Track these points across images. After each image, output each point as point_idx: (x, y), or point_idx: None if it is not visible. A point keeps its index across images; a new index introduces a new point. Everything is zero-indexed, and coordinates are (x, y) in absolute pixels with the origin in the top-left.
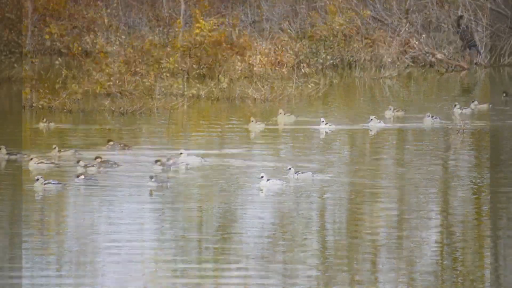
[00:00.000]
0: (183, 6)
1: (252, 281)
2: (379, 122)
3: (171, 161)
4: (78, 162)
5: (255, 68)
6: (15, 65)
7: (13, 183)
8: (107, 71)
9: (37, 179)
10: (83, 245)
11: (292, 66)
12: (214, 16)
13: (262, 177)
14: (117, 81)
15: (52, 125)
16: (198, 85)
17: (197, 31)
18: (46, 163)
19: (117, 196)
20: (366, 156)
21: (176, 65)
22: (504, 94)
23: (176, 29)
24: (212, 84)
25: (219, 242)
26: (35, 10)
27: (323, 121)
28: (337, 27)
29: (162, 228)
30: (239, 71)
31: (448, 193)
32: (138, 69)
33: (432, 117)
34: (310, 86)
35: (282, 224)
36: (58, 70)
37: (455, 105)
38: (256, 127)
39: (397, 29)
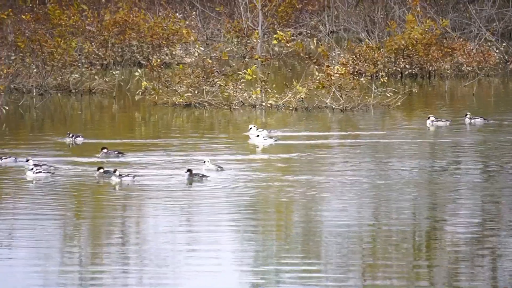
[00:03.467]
0: (261, 17)
1: None
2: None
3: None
4: (114, 171)
5: (333, 78)
6: (96, 77)
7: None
8: (185, 82)
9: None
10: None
11: (370, 76)
12: (291, 27)
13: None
14: (196, 92)
15: (80, 139)
16: (276, 95)
17: (275, 42)
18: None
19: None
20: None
21: (254, 75)
22: None
23: (254, 40)
24: (290, 94)
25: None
26: (116, 22)
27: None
28: (416, 36)
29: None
30: (317, 81)
31: None
32: (216, 80)
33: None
34: (388, 95)
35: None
36: (137, 82)
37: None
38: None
39: (477, 38)
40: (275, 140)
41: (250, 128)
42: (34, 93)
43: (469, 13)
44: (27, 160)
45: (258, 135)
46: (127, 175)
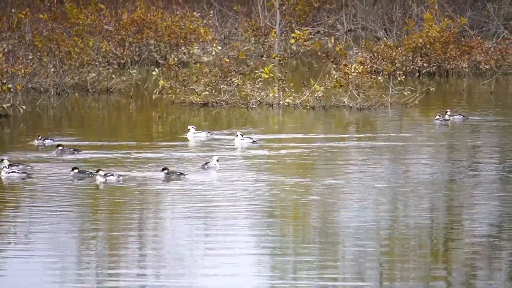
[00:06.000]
0: (278, 16)
1: None
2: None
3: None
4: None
5: (350, 77)
6: (113, 76)
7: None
8: (203, 81)
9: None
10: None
11: (388, 74)
12: (309, 25)
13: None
14: (213, 91)
15: (48, 142)
16: (294, 94)
17: (293, 41)
18: (18, 172)
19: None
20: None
21: (272, 74)
22: None
23: (272, 39)
24: (308, 93)
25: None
26: (133, 21)
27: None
28: (433, 34)
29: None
30: (335, 80)
31: None
32: (234, 79)
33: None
34: (406, 93)
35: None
36: (155, 81)
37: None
38: (192, 135)
39: (495, 36)
40: (254, 142)
41: (189, 130)
42: (52, 93)
43: (487, 11)
44: (2, 160)
45: (189, 129)
46: (112, 174)
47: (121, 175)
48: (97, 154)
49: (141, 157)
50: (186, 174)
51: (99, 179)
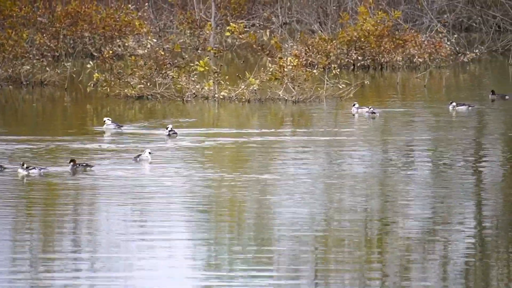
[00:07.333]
0: (213, 9)
1: None
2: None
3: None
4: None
5: (285, 70)
6: (47, 68)
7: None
8: (138, 74)
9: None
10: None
11: (323, 67)
12: (244, 18)
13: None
14: (148, 84)
15: None
16: (229, 87)
17: (228, 33)
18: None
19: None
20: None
21: (207, 67)
22: (491, 93)
23: (207, 32)
24: (243, 86)
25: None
26: (68, 13)
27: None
28: (368, 28)
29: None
30: (270, 73)
31: None
32: (169, 72)
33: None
34: (341, 87)
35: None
36: (90, 73)
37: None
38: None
39: (429, 29)
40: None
41: (104, 121)
42: None
43: (420, 5)
44: None
45: (104, 121)
46: (34, 168)
47: (42, 168)
48: (24, 146)
49: (73, 148)
50: (92, 166)
51: (21, 172)
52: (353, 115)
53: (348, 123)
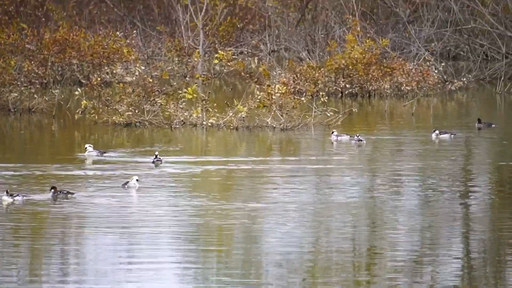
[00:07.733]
0: (202, 37)
1: None
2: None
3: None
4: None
5: (273, 97)
6: (35, 96)
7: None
8: (126, 101)
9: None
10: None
11: (311, 95)
12: (232, 46)
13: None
14: (136, 111)
15: None
16: (217, 114)
17: (216, 61)
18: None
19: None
20: None
21: (195, 94)
22: (478, 121)
23: (195, 59)
24: (231, 113)
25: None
26: (56, 41)
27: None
28: (356, 55)
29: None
30: (258, 100)
31: None
32: (157, 99)
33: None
34: (329, 114)
35: None
36: (78, 101)
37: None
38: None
39: (416, 58)
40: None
41: (86, 148)
42: None
43: (408, 33)
44: None
45: (86, 148)
46: (18, 195)
47: (25, 195)
48: (11, 172)
49: (60, 175)
50: (74, 193)
51: (6, 199)
52: (332, 143)
53: (336, 151)
